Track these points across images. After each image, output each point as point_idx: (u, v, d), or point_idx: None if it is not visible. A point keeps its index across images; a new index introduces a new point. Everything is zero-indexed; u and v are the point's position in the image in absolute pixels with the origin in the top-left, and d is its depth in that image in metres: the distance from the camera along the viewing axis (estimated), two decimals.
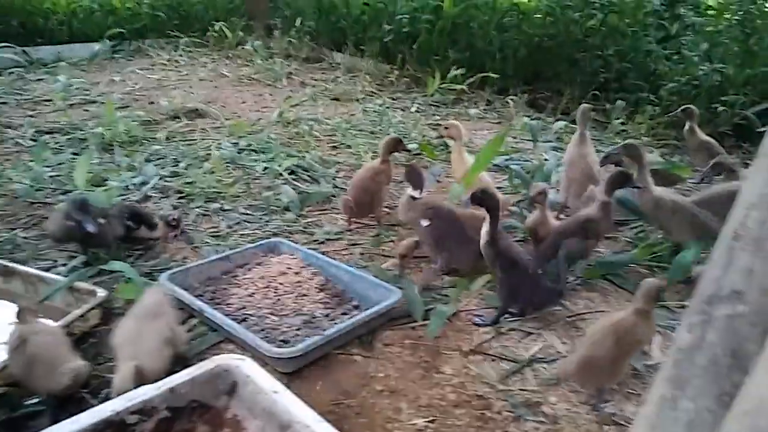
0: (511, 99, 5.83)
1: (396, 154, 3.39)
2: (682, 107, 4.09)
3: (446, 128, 3.51)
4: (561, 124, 5.08)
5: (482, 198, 2.41)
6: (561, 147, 4.72)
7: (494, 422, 1.89)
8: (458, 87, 6.05)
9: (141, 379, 1.67)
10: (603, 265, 2.79)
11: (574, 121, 5.01)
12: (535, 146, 4.37)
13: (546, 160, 4.13)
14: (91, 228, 2.48)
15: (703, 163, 3.75)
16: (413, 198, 2.80)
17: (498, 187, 3.74)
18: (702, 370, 0.90)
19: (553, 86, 6.17)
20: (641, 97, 5.61)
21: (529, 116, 5.48)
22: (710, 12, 6.43)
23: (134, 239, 2.90)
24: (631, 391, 2.06)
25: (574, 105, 5.72)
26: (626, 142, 3.07)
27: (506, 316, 2.44)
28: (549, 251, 2.60)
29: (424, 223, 2.71)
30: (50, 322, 2.01)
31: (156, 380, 1.60)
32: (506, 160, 4.26)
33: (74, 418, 1.40)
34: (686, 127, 4.00)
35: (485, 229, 2.41)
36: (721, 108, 5.03)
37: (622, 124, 5.24)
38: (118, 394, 1.57)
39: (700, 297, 0.96)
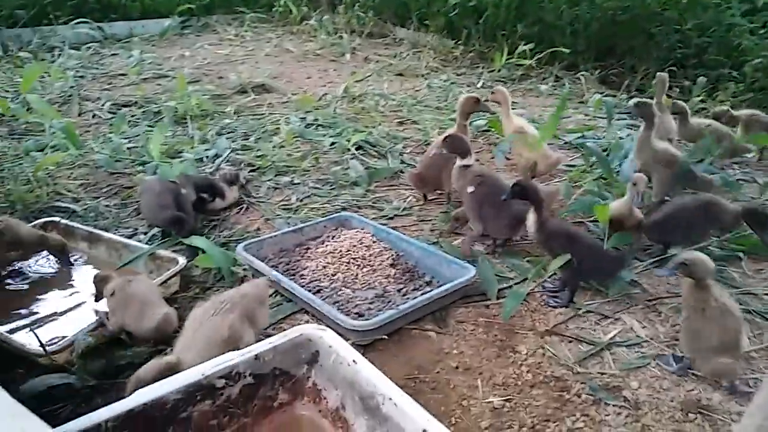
0: (582, 75, 5.63)
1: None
2: None
3: (492, 93, 3.44)
4: (635, 101, 4.85)
5: (524, 189, 2.38)
6: (636, 125, 4.53)
7: (573, 404, 1.85)
8: (526, 62, 5.89)
9: (170, 373, 1.56)
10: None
11: (650, 98, 4.83)
12: (610, 124, 4.21)
13: (621, 138, 3.97)
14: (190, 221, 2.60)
15: None
16: (464, 167, 2.76)
17: (571, 165, 3.65)
18: None
19: (627, 62, 5.90)
20: (722, 73, 5.32)
21: (600, 93, 5.28)
22: None
23: (209, 210, 2.97)
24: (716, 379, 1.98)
25: (648, 82, 5.50)
26: (637, 100, 3.16)
27: (583, 297, 2.37)
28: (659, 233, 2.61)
29: (470, 189, 2.68)
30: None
31: None
32: (579, 137, 4.12)
33: (169, 379, 1.44)
34: None
35: (531, 219, 2.38)
36: None
37: (702, 101, 4.98)
38: (134, 385, 1.57)
39: None
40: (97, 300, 2.12)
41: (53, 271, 2.50)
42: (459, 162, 2.77)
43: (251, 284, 2.04)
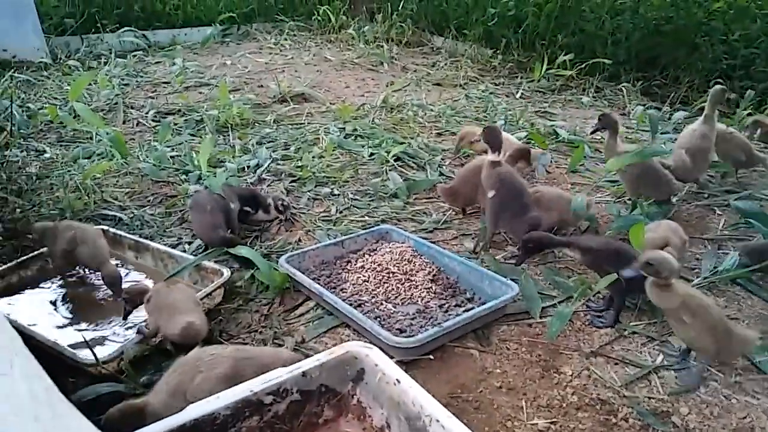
0: (624, 86, 5.54)
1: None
2: None
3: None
4: (680, 114, 4.77)
5: (536, 243, 2.36)
6: None
7: (620, 429, 1.81)
8: (566, 73, 5.83)
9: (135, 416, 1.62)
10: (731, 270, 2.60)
11: (696, 111, 4.73)
12: (654, 138, 4.13)
13: (666, 154, 3.88)
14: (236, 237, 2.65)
15: None
16: (493, 163, 2.73)
17: (614, 180, 3.59)
18: None
19: (670, 73, 5.79)
20: None
21: (643, 105, 5.19)
22: None
23: (251, 221, 3.00)
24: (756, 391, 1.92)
25: (693, 94, 5.38)
26: (603, 112, 3.25)
27: (629, 319, 2.33)
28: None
29: (490, 194, 2.70)
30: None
31: None
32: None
33: (217, 395, 1.46)
34: None
35: (572, 254, 2.38)
36: None
37: (749, 114, 4.84)
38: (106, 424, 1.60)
39: None
40: (125, 317, 2.19)
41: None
42: (489, 156, 2.75)
43: (272, 352, 1.87)
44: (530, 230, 2.51)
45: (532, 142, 4.11)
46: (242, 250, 2.51)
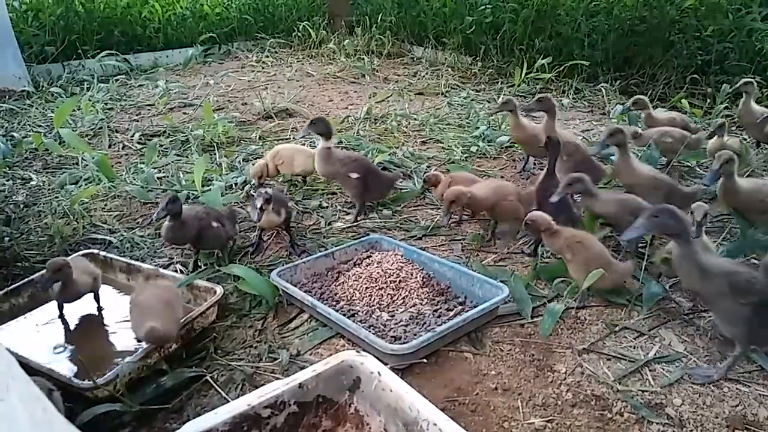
0: (602, 87, 5.62)
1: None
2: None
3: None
4: (658, 111, 4.83)
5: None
6: None
7: (615, 424, 1.84)
8: (545, 76, 5.91)
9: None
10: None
11: (672, 108, 4.81)
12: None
13: (647, 148, 3.95)
14: (153, 217, 2.58)
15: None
16: (327, 149, 3.16)
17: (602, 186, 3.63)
18: None
19: (647, 72, 5.89)
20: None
21: (622, 104, 5.25)
22: None
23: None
24: (762, 393, 1.95)
25: (670, 90, 5.47)
26: (540, 95, 3.53)
27: (619, 314, 2.36)
28: None
29: (354, 176, 3.14)
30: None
31: None
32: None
33: (215, 411, 1.47)
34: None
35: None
36: None
37: (726, 108, 4.93)
38: None
39: None
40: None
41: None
42: (323, 143, 3.18)
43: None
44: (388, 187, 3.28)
45: (516, 145, 4.16)
46: (233, 268, 2.52)
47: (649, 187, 2.90)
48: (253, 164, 3.65)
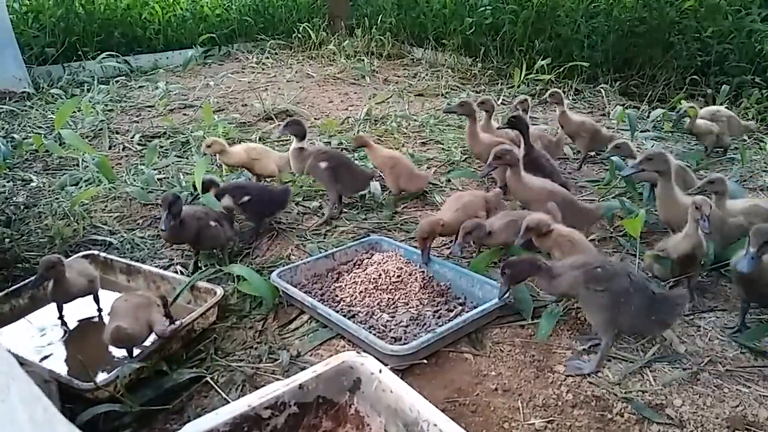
0: (602, 88, 5.63)
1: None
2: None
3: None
4: (658, 112, 4.85)
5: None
6: (660, 137, 4.53)
7: (616, 424, 1.84)
8: (545, 77, 5.91)
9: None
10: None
11: (672, 109, 4.81)
12: (633, 136, 4.19)
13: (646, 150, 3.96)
14: (163, 226, 2.53)
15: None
16: (300, 149, 3.26)
17: (594, 181, 3.64)
18: None
19: (647, 73, 5.90)
20: (745, 80, 5.27)
21: (622, 105, 5.28)
22: None
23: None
24: (762, 393, 1.95)
25: (670, 91, 5.48)
26: (462, 99, 3.56)
27: None
28: None
29: (323, 165, 3.22)
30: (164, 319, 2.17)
31: None
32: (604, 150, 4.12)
33: (215, 411, 1.47)
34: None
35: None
36: None
37: (727, 109, 4.93)
38: None
39: None
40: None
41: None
42: (295, 144, 3.28)
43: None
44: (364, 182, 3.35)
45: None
46: (235, 268, 2.52)
47: (542, 202, 2.75)
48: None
